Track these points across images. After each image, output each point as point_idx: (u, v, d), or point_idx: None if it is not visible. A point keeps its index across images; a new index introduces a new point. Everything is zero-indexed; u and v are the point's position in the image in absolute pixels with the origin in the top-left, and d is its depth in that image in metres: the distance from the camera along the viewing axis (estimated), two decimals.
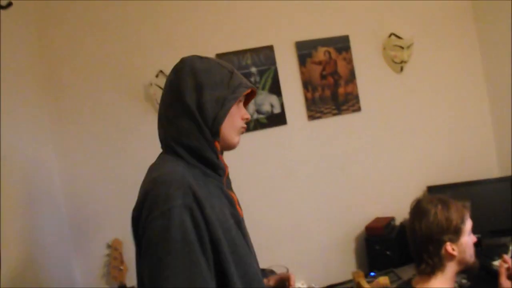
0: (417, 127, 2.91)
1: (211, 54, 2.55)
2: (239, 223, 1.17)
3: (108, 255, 2.37)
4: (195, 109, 1.11)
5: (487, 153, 3.00)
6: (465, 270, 1.60)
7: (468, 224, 1.57)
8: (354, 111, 2.80)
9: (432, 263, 1.53)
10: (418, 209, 1.62)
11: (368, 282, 2.22)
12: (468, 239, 1.56)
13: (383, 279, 2.30)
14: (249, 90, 1.22)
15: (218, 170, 1.18)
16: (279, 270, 1.53)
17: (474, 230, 1.60)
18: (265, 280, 1.37)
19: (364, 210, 2.80)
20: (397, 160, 2.88)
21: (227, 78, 1.16)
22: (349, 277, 2.67)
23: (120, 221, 2.43)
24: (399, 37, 2.78)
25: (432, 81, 2.93)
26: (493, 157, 3.00)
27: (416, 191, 2.83)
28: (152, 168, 1.15)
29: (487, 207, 2.58)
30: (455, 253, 1.52)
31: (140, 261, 1.04)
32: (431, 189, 2.80)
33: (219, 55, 2.57)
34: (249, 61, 2.64)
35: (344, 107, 2.79)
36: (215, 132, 1.14)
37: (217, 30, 2.61)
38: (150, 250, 0.98)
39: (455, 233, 1.53)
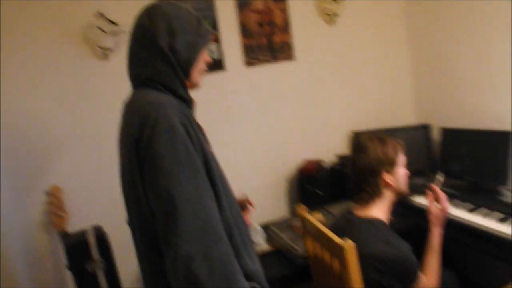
0: (344, 77, 3.09)
1: None
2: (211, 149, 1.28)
3: (47, 202, 2.31)
4: (168, 51, 1.20)
5: (405, 102, 3.29)
6: (398, 201, 1.82)
7: (402, 158, 1.79)
8: (288, 59, 2.92)
9: (371, 191, 1.73)
10: (358, 145, 1.81)
11: None
12: (402, 170, 1.78)
13: (317, 215, 2.51)
14: (213, 36, 1.34)
15: (189, 104, 1.28)
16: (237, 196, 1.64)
17: None
18: None
19: (295, 153, 2.97)
20: (326, 107, 3.06)
21: (196, 24, 1.27)
22: (282, 215, 2.89)
23: (58, 167, 2.39)
24: None
25: (360, 35, 3.11)
26: (410, 106, 3.30)
27: (342, 136, 3.07)
28: (136, 99, 1.21)
29: (405, 151, 2.86)
30: (391, 182, 1.72)
31: (139, 181, 1.10)
32: (356, 135, 3.03)
33: None
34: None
35: (279, 55, 2.89)
36: (186, 73, 1.25)
37: None
38: (158, 163, 1.05)
39: (391, 164, 1.74)
